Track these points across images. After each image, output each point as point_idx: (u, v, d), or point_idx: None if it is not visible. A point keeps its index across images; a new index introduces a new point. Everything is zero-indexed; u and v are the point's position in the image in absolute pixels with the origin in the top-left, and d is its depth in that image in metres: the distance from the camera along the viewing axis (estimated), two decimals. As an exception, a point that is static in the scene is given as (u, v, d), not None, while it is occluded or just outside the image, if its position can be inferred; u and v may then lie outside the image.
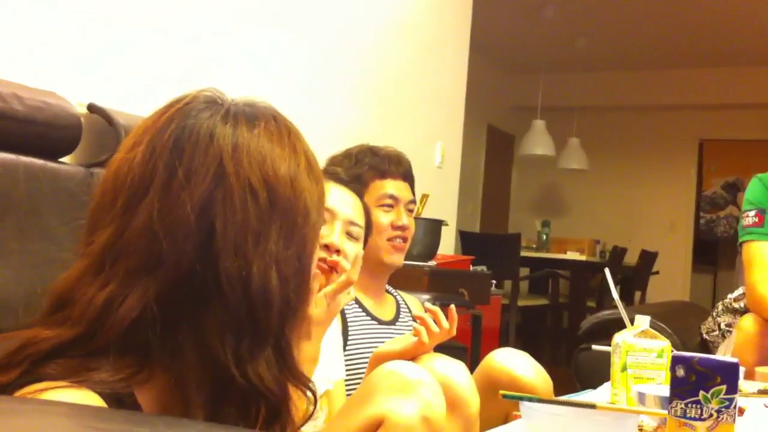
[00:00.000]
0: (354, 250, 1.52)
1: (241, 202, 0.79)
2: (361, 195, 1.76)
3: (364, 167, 1.89)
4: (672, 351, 1.42)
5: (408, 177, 1.99)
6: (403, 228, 1.90)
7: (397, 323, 1.92)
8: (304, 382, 0.84)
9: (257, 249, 0.79)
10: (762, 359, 1.91)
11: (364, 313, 1.85)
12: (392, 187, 1.91)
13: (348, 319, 1.80)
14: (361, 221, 1.58)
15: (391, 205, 1.90)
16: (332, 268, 1.44)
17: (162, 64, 2.44)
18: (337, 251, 1.47)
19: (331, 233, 1.50)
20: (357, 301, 1.85)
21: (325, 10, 3.24)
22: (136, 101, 2.16)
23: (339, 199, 1.54)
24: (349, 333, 1.78)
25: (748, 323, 2.06)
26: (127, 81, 2.31)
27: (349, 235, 1.54)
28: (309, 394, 0.86)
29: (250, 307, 0.78)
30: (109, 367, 0.75)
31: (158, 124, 0.83)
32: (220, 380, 0.77)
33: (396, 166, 1.95)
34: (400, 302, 2.01)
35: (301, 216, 0.83)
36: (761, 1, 5.95)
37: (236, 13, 2.77)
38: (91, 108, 1.78)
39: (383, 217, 1.88)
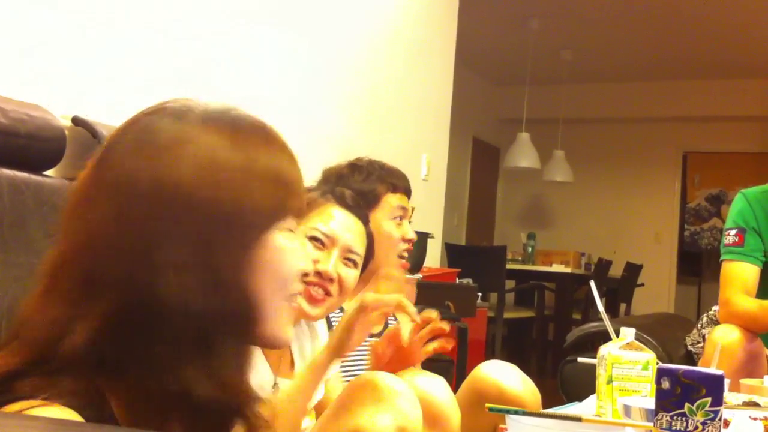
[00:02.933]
0: (352, 275, 1.52)
1: (125, 203, 0.78)
2: (369, 211, 1.79)
3: (377, 181, 1.90)
4: (657, 363, 1.42)
5: (409, 192, 2.01)
6: (411, 241, 1.92)
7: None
8: (242, 394, 0.80)
9: (148, 255, 0.77)
10: (734, 370, 1.92)
11: None
12: (402, 200, 1.93)
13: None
14: (362, 249, 1.56)
15: (401, 218, 1.92)
16: (326, 293, 1.45)
17: (149, 77, 2.44)
18: (331, 280, 1.47)
19: (327, 260, 1.48)
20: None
21: (313, 24, 3.25)
22: (123, 114, 2.14)
23: (342, 224, 1.53)
24: None
25: (719, 335, 2.08)
26: (113, 93, 2.30)
27: (348, 260, 1.52)
28: (250, 408, 0.81)
29: (169, 316, 0.76)
30: (73, 380, 0.74)
31: (108, 140, 0.84)
32: (158, 397, 0.75)
33: (403, 180, 1.98)
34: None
35: (224, 220, 0.79)
36: (745, 14, 6.01)
37: (223, 25, 2.78)
38: (76, 121, 1.77)
39: (395, 231, 1.89)
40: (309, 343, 1.57)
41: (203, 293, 0.77)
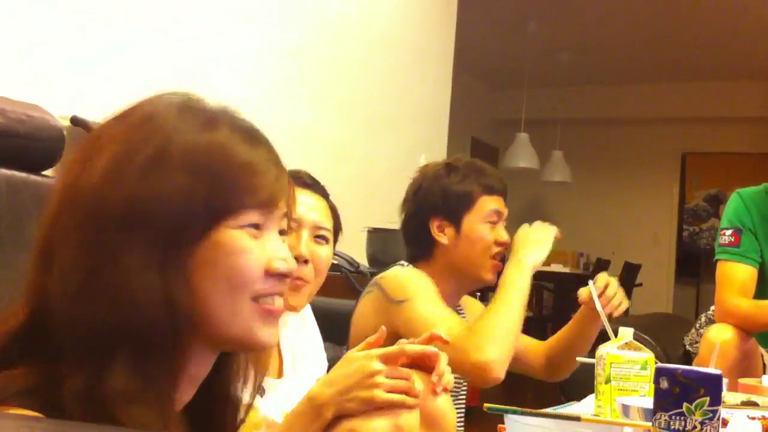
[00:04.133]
0: (325, 252, 1.52)
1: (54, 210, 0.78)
2: (464, 214, 1.80)
3: (473, 183, 1.86)
4: (656, 363, 1.42)
5: (505, 194, 1.95)
6: (505, 244, 1.88)
7: None
8: (160, 397, 0.75)
9: (42, 261, 0.76)
10: (729, 369, 1.92)
11: None
12: (498, 203, 1.88)
13: None
14: (330, 223, 1.56)
15: (495, 222, 1.87)
16: (302, 280, 1.43)
17: (149, 77, 2.44)
18: (305, 261, 1.46)
19: (298, 243, 1.48)
20: None
21: (311, 25, 3.25)
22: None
23: (305, 204, 1.53)
24: None
25: (713, 334, 2.08)
26: (113, 93, 2.30)
27: (319, 238, 1.53)
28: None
29: (78, 328, 0.73)
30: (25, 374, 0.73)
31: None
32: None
33: (500, 182, 1.91)
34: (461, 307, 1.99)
35: (101, 219, 0.74)
36: (743, 16, 6.02)
37: (218, 21, 2.78)
38: (74, 121, 1.77)
39: (489, 234, 1.85)
40: (303, 341, 1.57)
41: (101, 301, 0.73)
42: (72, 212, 0.75)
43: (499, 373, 1.59)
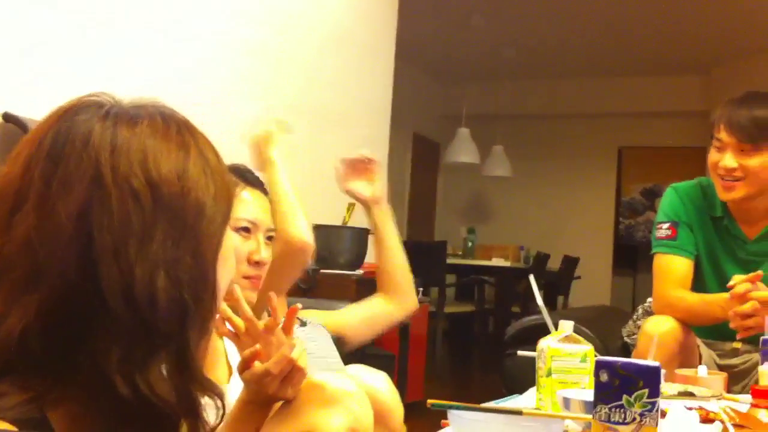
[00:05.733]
0: (271, 250, 1.52)
1: (120, 205, 0.75)
2: None
3: None
4: (595, 355, 1.44)
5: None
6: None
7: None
8: (209, 387, 0.81)
9: (140, 252, 0.75)
10: (667, 360, 1.96)
11: None
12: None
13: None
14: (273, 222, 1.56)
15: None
16: (257, 280, 1.43)
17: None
18: (265, 264, 1.46)
19: (258, 247, 1.48)
20: None
21: (253, 18, 3.21)
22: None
23: (258, 205, 1.52)
24: None
25: (651, 326, 2.12)
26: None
27: (269, 239, 1.52)
28: (218, 401, 0.82)
29: (136, 314, 0.74)
30: (14, 390, 0.71)
31: (35, 136, 0.80)
32: (117, 398, 0.73)
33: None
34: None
35: (192, 213, 0.79)
36: (677, 11, 6.15)
37: (163, 20, 2.73)
38: (7, 117, 1.72)
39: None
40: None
41: (171, 283, 0.76)
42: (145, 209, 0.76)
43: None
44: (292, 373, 1.18)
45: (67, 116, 0.81)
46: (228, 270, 0.85)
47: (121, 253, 0.74)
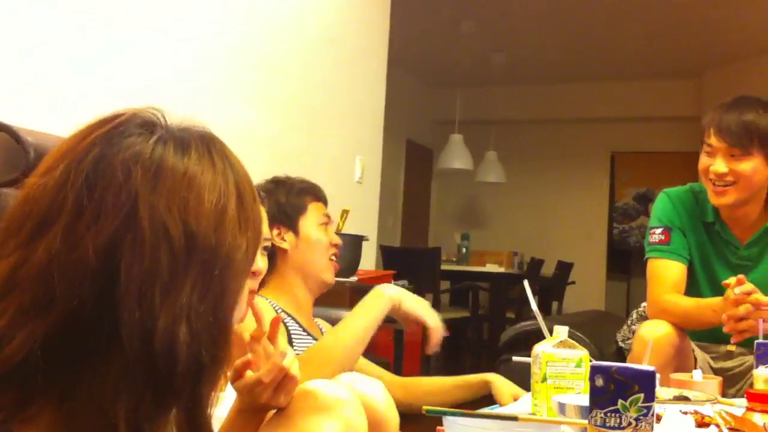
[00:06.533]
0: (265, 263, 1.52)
1: (153, 248, 0.72)
2: (301, 216, 1.93)
3: (302, 192, 1.98)
4: (590, 360, 1.44)
5: (327, 203, 2.08)
6: (338, 245, 2.00)
7: None
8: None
9: (166, 301, 0.72)
10: (662, 365, 1.96)
11: (302, 330, 1.86)
12: (324, 209, 2.01)
13: (292, 335, 1.81)
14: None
15: (326, 224, 1.99)
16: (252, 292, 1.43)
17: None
18: (259, 273, 1.46)
19: (259, 258, 1.48)
20: (293, 318, 1.87)
21: (246, 24, 3.21)
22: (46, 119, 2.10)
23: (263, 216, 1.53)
24: (294, 349, 1.78)
25: (646, 331, 2.12)
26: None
27: (264, 249, 1.52)
28: None
29: (152, 364, 0.71)
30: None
31: (78, 148, 0.75)
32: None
33: (322, 192, 2.04)
34: (317, 320, 2.03)
35: (221, 266, 0.76)
36: (669, 17, 6.18)
37: (149, 23, 2.72)
38: (-2, 125, 1.70)
39: (324, 235, 1.96)
40: None
41: (190, 337, 0.73)
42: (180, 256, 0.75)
43: None
44: (284, 381, 1.18)
45: (115, 136, 0.76)
46: (239, 316, 0.83)
47: (147, 299, 0.71)
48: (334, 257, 1.98)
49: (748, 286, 1.96)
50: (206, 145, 0.80)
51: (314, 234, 1.93)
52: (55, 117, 2.16)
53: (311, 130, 3.72)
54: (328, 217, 2.01)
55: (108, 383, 0.70)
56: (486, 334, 7.25)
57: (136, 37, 2.36)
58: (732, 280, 1.99)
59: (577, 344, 1.54)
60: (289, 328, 1.84)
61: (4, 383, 0.70)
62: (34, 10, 2.07)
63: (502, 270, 7.03)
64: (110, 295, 0.70)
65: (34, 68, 2.07)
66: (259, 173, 1.95)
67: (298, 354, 1.78)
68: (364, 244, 3.44)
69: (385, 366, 2.89)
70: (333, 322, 2.13)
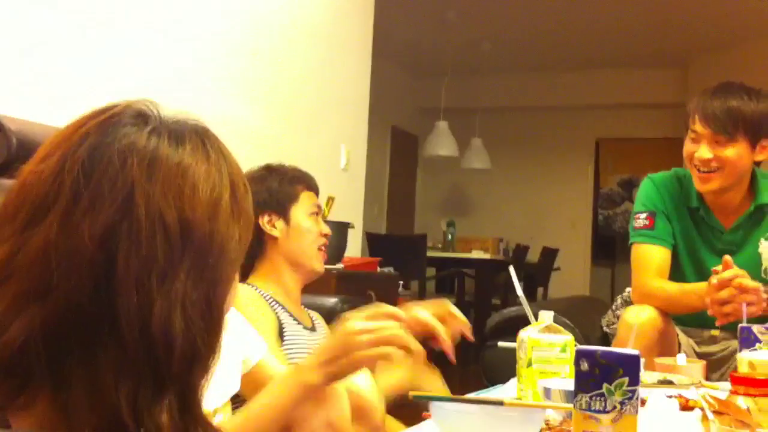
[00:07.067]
0: None
1: (149, 236, 0.73)
2: (292, 204, 1.93)
3: (295, 180, 1.98)
4: (575, 345, 1.45)
5: (318, 193, 2.08)
6: (328, 235, 2.00)
7: (316, 331, 1.95)
8: (210, 430, 0.79)
9: (162, 288, 0.73)
10: (647, 349, 1.98)
11: (291, 318, 1.87)
12: (315, 198, 2.02)
13: (282, 323, 1.81)
14: None
15: (317, 213, 2.00)
16: None
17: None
18: None
19: None
20: (282, 306, 1.87)
21: (229, 12, 3.19)
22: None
23: None
24: (285, 337, 1.78)
25: (630, 316, 2.13)
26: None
27: None
28: None
29: (150, 350, 0.72)
30: None
31: (74, 137, 0.76)
32: (112, 424, 0.71)
33: (313, 181, 2.04)
34: (308, 310, 2.03)
35: (215, 255, 0.77)
36: (652, 6, 6.19)
37: (126, 15, 2.70)
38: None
39: (314, 225, 1.96)
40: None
41: (185, 323, 0.74)
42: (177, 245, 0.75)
43: None
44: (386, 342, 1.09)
45: (110, 126, 0.77)
46: (230, 305, 0.84)
47: (144, 285, 0.72)
48: (323, 247, 1.99)
49: (734, 271, 1.97)
50: (200, 137, 0.81)
51: (305, 223, 1.94)
52: (55, 117, 2.16)
53: (295, 118, 3.71)
54: (319, 207, 2.02)
55: (107, 370, 0.71)
56: (472, 320, 7.27)
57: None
58: (720, 267, 2.00)
59: (562, 329, 1.55)
60: (279, 315, 1.84)
61: (1, 370, 0.70)
62: (34, 10, 2.07)
63: (487, 257, 7.05)
64: (107, 282, 0.71)
65: (34, 68, 2.07)
66: (242, 163, 1.94)
67: (288, 346, 1.78)
68: (350, 231, 3.44)
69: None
70: (318, 309, 2.13)
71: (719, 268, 2.00)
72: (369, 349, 1.09)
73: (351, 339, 1.10)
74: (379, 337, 1.09)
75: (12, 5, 2.02)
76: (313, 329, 1.94)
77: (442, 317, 1.32)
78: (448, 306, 1.36)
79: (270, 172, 1.98)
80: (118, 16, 2.32)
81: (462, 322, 1.35)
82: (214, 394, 1.37)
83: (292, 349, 1.80)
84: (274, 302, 1.86)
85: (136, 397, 0.72)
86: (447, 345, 1.24)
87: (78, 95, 2.22)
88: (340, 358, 1.10)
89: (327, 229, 2.00)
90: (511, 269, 1.76)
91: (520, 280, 1.76)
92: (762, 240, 2.27)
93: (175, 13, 2.66)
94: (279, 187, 1.94)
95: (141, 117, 0.79)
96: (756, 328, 1.67)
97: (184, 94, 2.85)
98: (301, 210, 1.94)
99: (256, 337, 1.56)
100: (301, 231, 1.93)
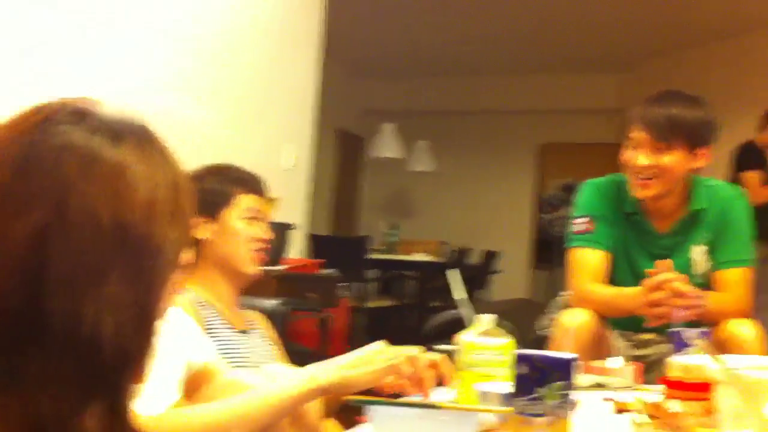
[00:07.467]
0: None
1: (82, 238, 0.70)
2: (224, 207, 1.88)
3: (230, 182, 1.93)
4: (513, 348, 1.46)
5: (264, 195, 2.03)
6: (265, 240, 1.94)
7: (249, 334, 1.92)
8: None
9: (92, 290, 0.71)
10: (581, 352, 2.00)
11: (220, 320, 1.84)
12: (256, 202, 1.96)
13: (207, 323, 1.78)
14: None
15: (254, 218, 1.94)
16: None
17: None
18: None
19: None
20: (213, 309, 1.85)
21: (173, 9, 3.14)
22: None
23: None
24: (213, 341, 1.75)
25: (566, 319, 2.16)
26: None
27: None
28: None
29: (78, 355, 0.70)
30: None
31: (6, 135, 0.74)
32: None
33: (258, 183, 1.99)
34: (249, 312, 2.01)
35: (151, 257, 0.75)
36: (597, 9, 6.29)
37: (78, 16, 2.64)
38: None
39: (247, 229, 1.91)
40: None
41: (115, 328, 0.71)
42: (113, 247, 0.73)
43: None
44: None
45: (46, 123, 0.74)
46: (165, 308, 0.81)
47: (73, 287, 0.70)
48: (260, 250, 1.94)
49: (667, 274, 2.01)
50: (141, 135, 0.79)
51: (235, 225, 1.89)
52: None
53: (240, 118, 3.67)
54: (259, 210, 1.96)
55: (34, 373, 0.69)
56: (413, 322, 7.30)
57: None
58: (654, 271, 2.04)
59: (500, 332, 1.56)
60: (205, 317, 1.80)
61: None
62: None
63: (430, 259, 7.08)
64: (38, 284, 0.69)
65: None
66: (185, 162, 1.92)
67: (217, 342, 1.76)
68: (294, 232, 3.42)
69: (311, 355, 2.88)
70: (258, 311, 2.11)
71: (654, 270, 2.04)
72: (386, 366, 1.26)
73: (375, 356, 1.29)
74: (396, 365, 1.28)
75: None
76: (244, 332, 1.91)
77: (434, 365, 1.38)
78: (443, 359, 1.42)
79: (209, 173, 1.93)
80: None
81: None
82: (155, 397, 1.35)
83: (220, 351, 1.77)
84: (205, 305, 1.83)
85: (61, 404, 0.69)
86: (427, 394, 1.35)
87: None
88: (360, 366, 1.26)
89: (264, 233, 1.94)
90: (449, 273, 1.77)
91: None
92: (692, 246, 2.31)
93: (118, 10, 2.61)
94: (214, 188, 1.89)
95: (78, 115, 0.76)
96: (684, 333, 1.70)
97: (126, 92, 2.80)
98: (235, 213, 1.89)
99: (203, 340, 1.54)
100: (230, 234, 1.88)
